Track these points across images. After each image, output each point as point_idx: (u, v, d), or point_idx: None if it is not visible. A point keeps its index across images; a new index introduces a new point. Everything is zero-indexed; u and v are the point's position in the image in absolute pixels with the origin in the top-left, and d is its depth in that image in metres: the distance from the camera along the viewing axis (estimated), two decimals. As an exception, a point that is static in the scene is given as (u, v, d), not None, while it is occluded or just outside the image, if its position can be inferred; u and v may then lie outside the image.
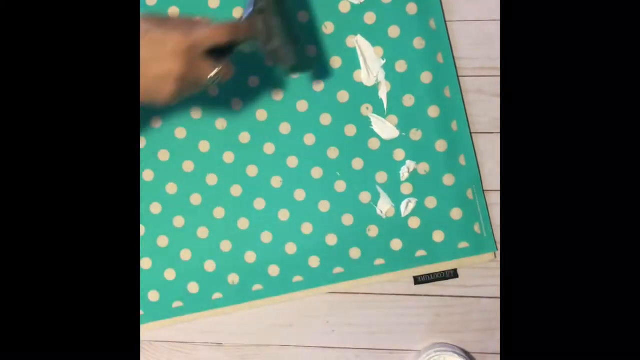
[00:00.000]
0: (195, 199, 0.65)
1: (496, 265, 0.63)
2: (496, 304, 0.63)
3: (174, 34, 0.49)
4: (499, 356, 0.63)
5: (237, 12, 0.64)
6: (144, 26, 0.48)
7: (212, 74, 0.52)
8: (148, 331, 0.65)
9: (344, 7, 0.64)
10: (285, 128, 0.64)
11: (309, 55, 0.63)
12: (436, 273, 0.63)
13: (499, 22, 0.63)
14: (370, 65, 0.63)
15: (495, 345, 0.63)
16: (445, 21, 0.63)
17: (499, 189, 0.63)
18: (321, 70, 0.63)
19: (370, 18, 0.63)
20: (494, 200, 0.63)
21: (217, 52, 0.53)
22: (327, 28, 0.64)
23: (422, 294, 0.64)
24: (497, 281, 0.63)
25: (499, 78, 0.63)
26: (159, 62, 0.49)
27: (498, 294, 0.63)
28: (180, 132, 0.65)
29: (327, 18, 0.64)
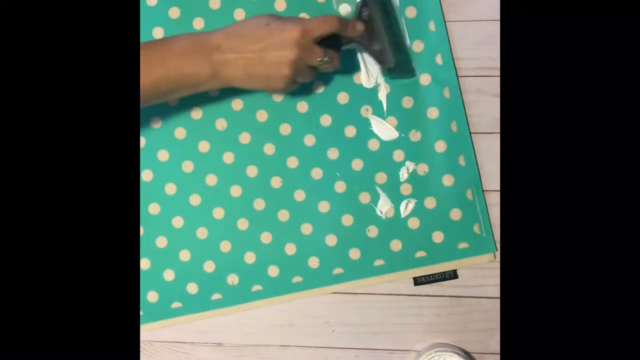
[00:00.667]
0: (195, 200, 0.64)
1: (496, 265, 0.63)
2: (496, 304, 0.63)
3: (289, 23, 0.54)
4: (499, 356, 0.63)
5: (239, 14, 0.64)
6: (264, 19, 0.54)
7: (323, 58, 0.56)
8: (148, 331, 0.65)
9: (344, 10, 0.64)
10: (285, 129, 0.64)
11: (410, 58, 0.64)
12: (436, 274, 0.63)
13: (499, 22, 0.63)
14: (370, 68, 0.64)
15: (495, 345, 0.64)
16: (444, 22, 0.63)
17: (499, 189, 0.63)
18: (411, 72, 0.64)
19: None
20: (494, 200, 0.64)
21: (326, 43, 0.57)
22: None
23: (422, 294, 0.64)
24: (497, 281, 0.63)
25: (499, 78, 0.63)
26: (277, 49, 0.53)
27: (498, 294, 0.63)
28: (180, 132, 0.65)
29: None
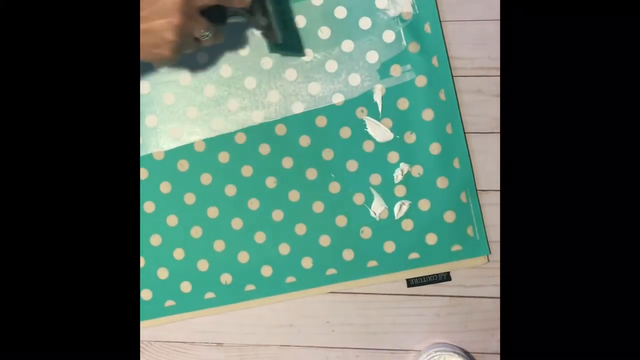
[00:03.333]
0: (189, 199, 0.65)
1: (496, 265, 0.63)
2: (496, 304, 0.63)
3: None
4: (499, 356, 0.63)
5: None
6: None
7: (204, 30, 0.55)
8: (148, 331, 0.66)
9: (340, 13, 0.64)
10: (280, 129, 0.64)
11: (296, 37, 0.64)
12: (429, 276, 0.63)
13: (499, 22, 0.63)
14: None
15: (495, 345, 0.64)
16: (440, 24, 0.63)
17: (498, 189, 0.63)
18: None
19: (365, 23, 0.63)
20: (494, 200, 0.63)
21: (211, 15, 0.56)
22: (323, 33, 0.64)
23: (423, 294, 0.64)
24: (497, 281, 0.63)
25: (499, 78, 0.63)
26: (161, 17, 0.53)
27: (498, 294, 0.63)
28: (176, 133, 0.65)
29: (323, 23, 0.64)
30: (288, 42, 0.63)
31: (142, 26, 0.53)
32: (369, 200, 0.64)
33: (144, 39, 0.54)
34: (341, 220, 0.64)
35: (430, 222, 0.63)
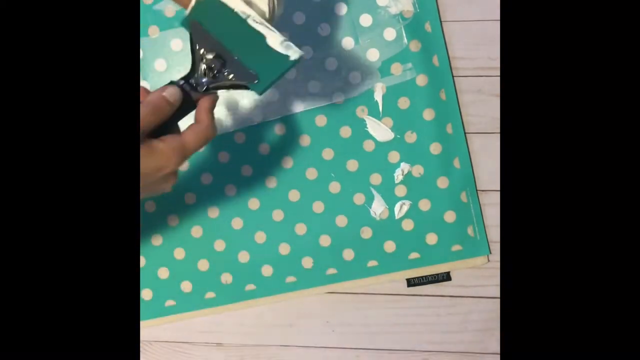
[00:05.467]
0: (190, 198, 0.65)
1: (496, 265, 0.63)
2: (496, 304, 0.63)
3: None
4: (499, 356, 0.63)
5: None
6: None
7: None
8: (148, 331, 0.66)
9: (340, 10, 0.64)
10: (280, 129, 0.64)
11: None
12: (429, 275, 0.63)
13: (499, 22, 0.63)
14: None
15: (495, 345, 0.63)
16: (441, 24, 0.63)
17: (498, 189, 0.63)
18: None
19: (366, 20, 0.63)
20: (494, 200, 0.63)
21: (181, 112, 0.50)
22: (323, 30, 0.64)
23: (423, 294, 0.64)
24: (497, 281, 0.63)
25: (499, 78, 0.63)
26: (157, 185, 0.50)
27: (498, 294, 0.63)
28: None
29: (323, 20, 0.64)
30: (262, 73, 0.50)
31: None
32: (370, 200, 0.64)
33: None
34: (341, 220, 0.64)
35: (430, 222, 0.63)
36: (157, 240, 0.65)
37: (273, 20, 0.51)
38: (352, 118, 0.64)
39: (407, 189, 0.63)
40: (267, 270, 0.64)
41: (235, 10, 0.49)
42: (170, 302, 0.65)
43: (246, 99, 0.64)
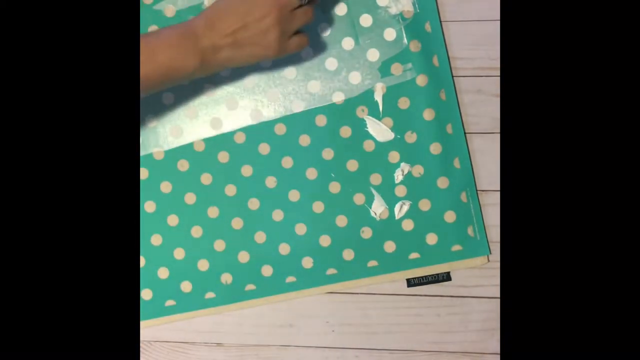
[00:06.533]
0: (190, 198, 0.65)
1: (496, 265, 0.63)
2: (496, 304, 0.63)
3: None
4: (499, 356, 0.63)
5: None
6: None
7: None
8: (148, 331, 0.66)
9: (340, 10, 0.64)
10: (280, 129, 0.64)
11: None
12: (429, 276, 0.63)
13: (499, 22, 0.63)
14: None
15: (495, 345, 0.63)
16: (441, 24, 0.63)
17: (498, 189, 0.63)
18: None
19: (366, 20, 0.63)
20: (494, 201, 0.63)
21: None
22: (323, 30, 0.64)
23: (423, 294, 0.64)
24: (497, 281, 0.63)
25: (499, 78, 0.63)
26: (259, 20, 0.54)
27: (498, 294, 0.63)
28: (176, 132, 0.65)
29: (323, 20, 0.64)
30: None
31: (240, 34, 0.54)
32: (370, 200, 0.64)
33: (246, 47, 0.55)
34: (341, 220, 0.64)
35: (430, 222, 0.63)
36: (157, 240, 0.65)
37: None
38: (352, 118, 0.64)
39: (407, 189, 0.63)
40: (267, 270, 0.64)
41: None
42: (170, 302, 0.65)
43: (246, 99, 0.64)
